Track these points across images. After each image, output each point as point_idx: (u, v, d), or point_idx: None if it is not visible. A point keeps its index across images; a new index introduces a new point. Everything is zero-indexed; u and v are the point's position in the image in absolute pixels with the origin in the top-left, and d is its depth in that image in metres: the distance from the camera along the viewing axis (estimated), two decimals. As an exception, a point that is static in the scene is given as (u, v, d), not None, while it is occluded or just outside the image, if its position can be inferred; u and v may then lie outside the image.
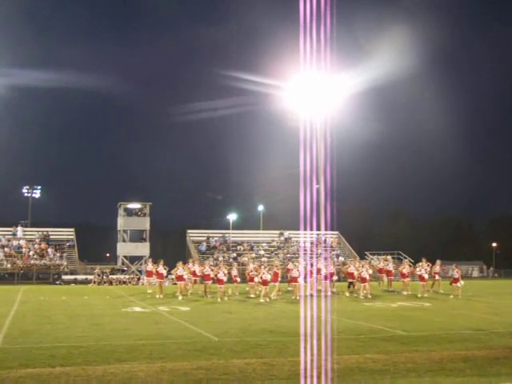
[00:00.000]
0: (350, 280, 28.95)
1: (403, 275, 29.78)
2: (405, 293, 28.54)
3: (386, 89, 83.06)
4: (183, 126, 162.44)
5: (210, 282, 27.42)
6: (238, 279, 28.45)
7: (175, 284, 27.58)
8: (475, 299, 27.74)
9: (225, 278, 26.81)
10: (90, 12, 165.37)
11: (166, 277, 30.00)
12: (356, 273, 28.50)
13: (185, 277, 27.76)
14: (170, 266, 29.05)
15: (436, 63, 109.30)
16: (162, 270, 28.25)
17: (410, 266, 31.25)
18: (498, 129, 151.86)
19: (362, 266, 28.89)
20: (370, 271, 28.79)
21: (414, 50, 68.79)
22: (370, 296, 27.00)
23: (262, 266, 28.92)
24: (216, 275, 26.90)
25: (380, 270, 33.06)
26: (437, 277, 30.38)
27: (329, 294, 27.78)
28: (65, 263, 46.19)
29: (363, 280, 27.71)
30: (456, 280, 28.92)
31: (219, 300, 25.39)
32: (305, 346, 11.27)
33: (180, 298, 26.11)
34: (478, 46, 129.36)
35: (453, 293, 28.29)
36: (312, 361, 10.47)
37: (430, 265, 30.20)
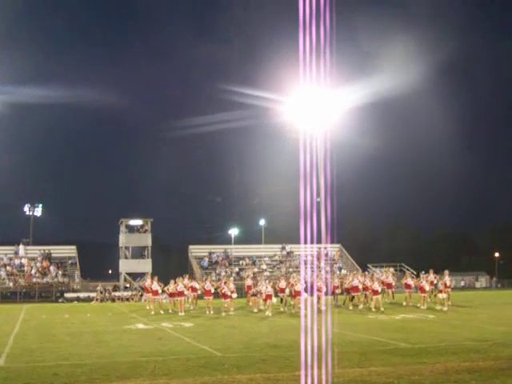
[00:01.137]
0: (354, 294, 28.93)
1: (408, 287, 29.72)
2: (420, 306, 27.72)
3: (386, 103, 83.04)
4: (183, 140, 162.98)
5: (211, 297, 27.43)
6: (235, 295, 28.22)
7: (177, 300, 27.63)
8: (479, 310, 27.64)
9: (229, 293, 26.83)
10: (88, 28, 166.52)
11: (163, 292, 29.99)
12: (360, 286, 28.55)
13: (185, 293, 27.90)
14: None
15: (437, 77, 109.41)
16: (155, 286, 28.30)
17: (413, 277, 31.21)
18: (497, 140, 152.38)
19: (371, 279, 28.94)
20: (376, 284, 28.66)
21: (413, 64, 69.06)
22: (374, 309, 26.86)
23: (266, 281, 28.87)
24: (221, 290, 26.94)
25: (382, 283, 33.00)
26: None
27: (334, 307, 27.78)
28: (76, 280, 46.17)
29: (375, 292, 27.68)
30: (440, 291, 28.47)
31: (223, 314, 25.35)
32: (307, 359, 11.23)
33: (181, 313, 26.06)
34: (478, 58, 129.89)
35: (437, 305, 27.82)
36: (315, 375, 10.42)
37: (437, 276, 30.15)
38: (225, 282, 27.87)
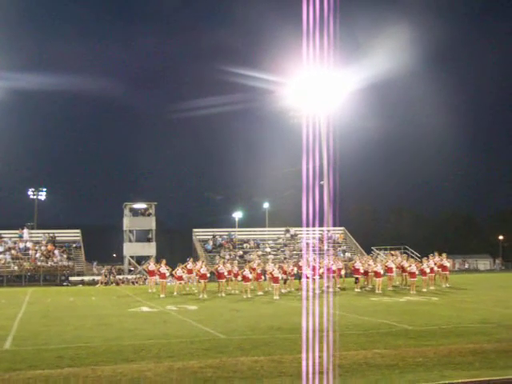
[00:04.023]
0: (356, 276, 29.05)
1: (389, 270, 29.72)
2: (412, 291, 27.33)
3: (388, 85, 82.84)
4: (186, 123, 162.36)
5: (223, 280, 27.61)
6: (240, 277, 28.42)
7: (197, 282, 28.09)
8: (483, 292, 27.66)
9: (250, 276, 27.04)
10: (90, 12, 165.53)
11: (171, 276, 30.21)
12: (362, 268, 28.76)
13: (184, 276, 28.22)
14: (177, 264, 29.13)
15: (438, 59, 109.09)
16: (163, 269, 28.40)
17: (408, 260, 31.24)
18: (499, 122, 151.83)
19: (372, 262, 29.05)
20: (379, 266, 28.77)
21: (416, 46, 68.66)
22: (378, 291, 27.01)
23: (272, 264, 29.04)
24: (243, 272, 27.38)
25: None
26: (436, 269, 30.24)
27: (336, 290, 27.92)
28: (94, 265, 46.14)
29: (377, 275, 27.87)
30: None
31: (245, 297, 25.73)
32: (312, 342, 11.25)
33: (201, 295, 26.23)
34: (479, 41, 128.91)
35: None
36: (319, 357, 10.44)
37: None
38: (250, 267, 28.05)
